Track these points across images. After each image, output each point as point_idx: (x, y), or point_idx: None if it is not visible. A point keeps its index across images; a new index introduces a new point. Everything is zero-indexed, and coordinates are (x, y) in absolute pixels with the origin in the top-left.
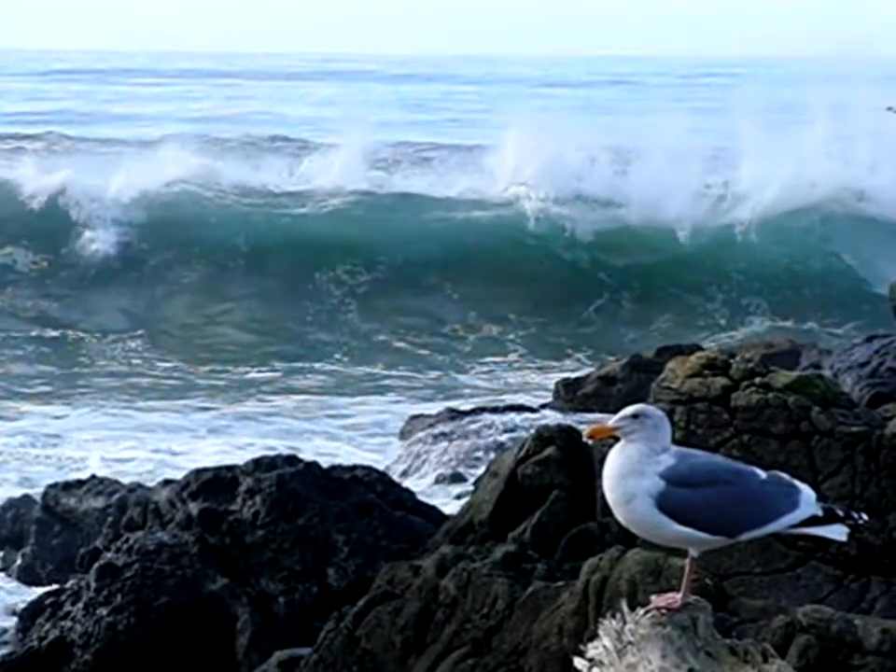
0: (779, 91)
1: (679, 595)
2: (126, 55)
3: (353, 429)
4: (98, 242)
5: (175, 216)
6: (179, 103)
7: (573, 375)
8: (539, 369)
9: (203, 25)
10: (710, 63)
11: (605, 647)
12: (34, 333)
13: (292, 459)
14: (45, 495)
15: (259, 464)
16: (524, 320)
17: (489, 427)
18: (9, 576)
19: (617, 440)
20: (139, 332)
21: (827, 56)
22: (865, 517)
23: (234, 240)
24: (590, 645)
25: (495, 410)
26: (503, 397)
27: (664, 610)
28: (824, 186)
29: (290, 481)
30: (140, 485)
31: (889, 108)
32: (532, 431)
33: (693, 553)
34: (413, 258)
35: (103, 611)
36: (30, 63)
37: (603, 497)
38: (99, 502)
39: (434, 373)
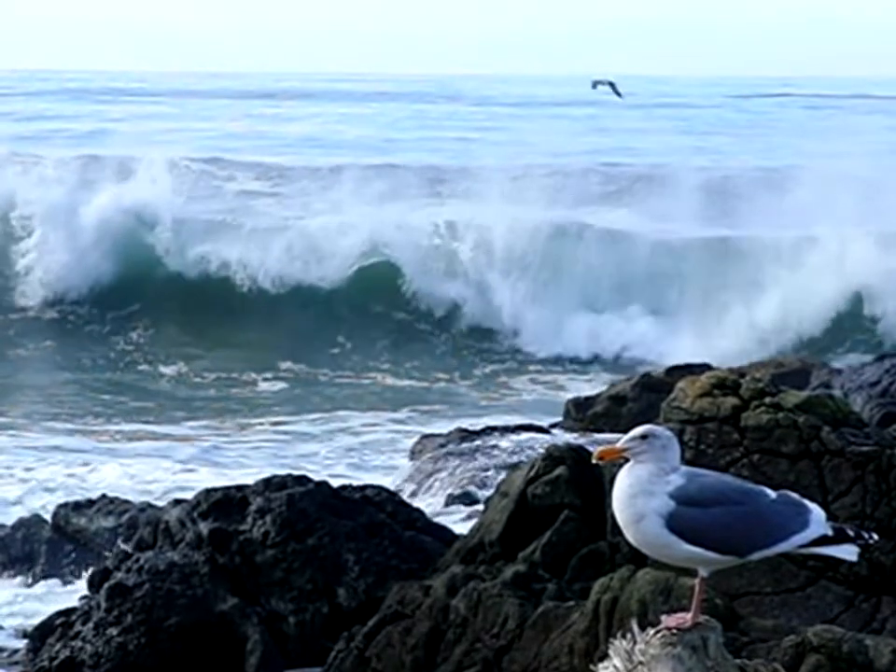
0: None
1: (689, 615)
2: (137, 75)
3: (363, 448)
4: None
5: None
6: (187, 122)
7: (583, 395)
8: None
9: (214, 47)
10: (720, 83)
11: (615, 667)
12: (39, 348)
13: (302, 479)
14: (55, 514)
15: (269, 483)
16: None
17: (499, 446)
18: (20, 595)
19: (626, 460)
20: (143, 354)
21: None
22: (876, 537)
23: (231, 255)
24: (600, 665)
25: (505, 429)
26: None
27: (674, 630)
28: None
29: (300, 500)
30: (150, 505)
31: (597, 84)
32: (542, 451)
33: (703, 572)
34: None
35: (113, 631)
36: (40, 82)
37: (613, 516)
38: (109, 522)
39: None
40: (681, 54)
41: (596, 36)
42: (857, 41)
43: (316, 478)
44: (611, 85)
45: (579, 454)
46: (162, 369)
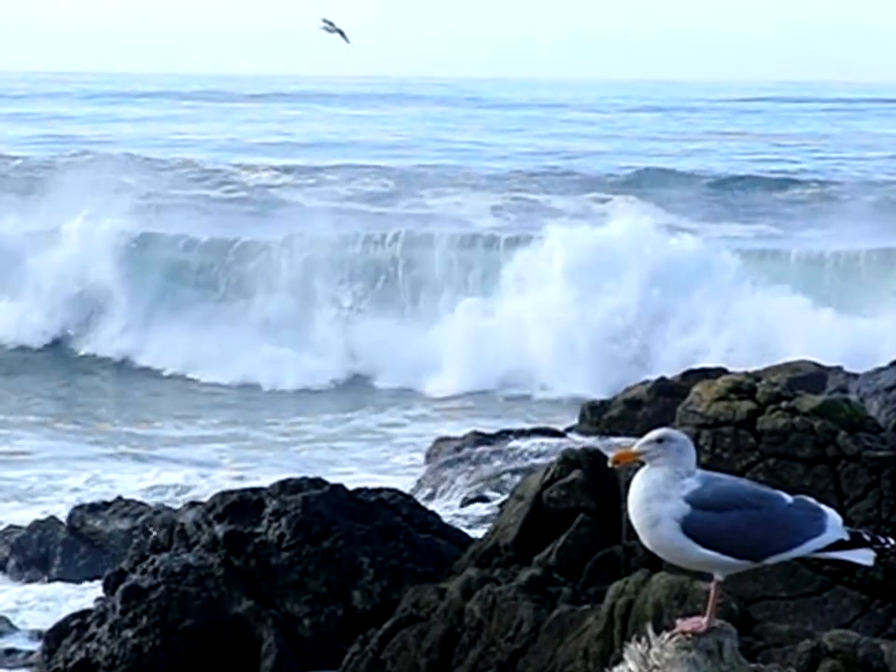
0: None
1: (704, 619)
2: (155, 78)
3: (379, 450)
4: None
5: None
6: (205, 124)
7: (599, 398)
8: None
9: (233, 50)
10: (751, 88)
11: (630, 671)
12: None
13: (318, 481)
14: (71, 516)
15: (284, 486)
16: None
17: (515, 450)
18: (35, 597)
19: (642, 464)
20: (156, 355)
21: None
22: (892, 542)
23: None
24: (615, 669)
25: (521, 433)
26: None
27: (689, 634)
28: None
29: (316, 503)
30: (165, 507)
31: (329, 27)
32: (558, 455)
33: (719, 576)
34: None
35: (128, 633)
36: (59, 84)
37: (628, 520)
38: (125, 524)
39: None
40: (699, 60)
41: (612, 41)
42: (879, 46)
43: (332, 480)
44: (341, 33)
45: (595, 458)
46: (175, 370)
